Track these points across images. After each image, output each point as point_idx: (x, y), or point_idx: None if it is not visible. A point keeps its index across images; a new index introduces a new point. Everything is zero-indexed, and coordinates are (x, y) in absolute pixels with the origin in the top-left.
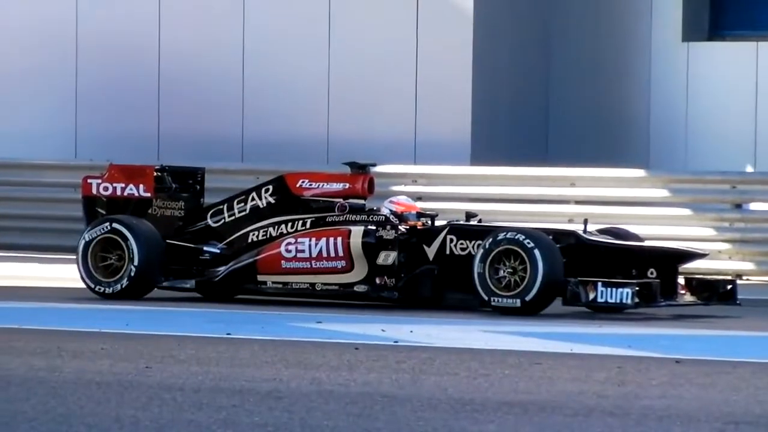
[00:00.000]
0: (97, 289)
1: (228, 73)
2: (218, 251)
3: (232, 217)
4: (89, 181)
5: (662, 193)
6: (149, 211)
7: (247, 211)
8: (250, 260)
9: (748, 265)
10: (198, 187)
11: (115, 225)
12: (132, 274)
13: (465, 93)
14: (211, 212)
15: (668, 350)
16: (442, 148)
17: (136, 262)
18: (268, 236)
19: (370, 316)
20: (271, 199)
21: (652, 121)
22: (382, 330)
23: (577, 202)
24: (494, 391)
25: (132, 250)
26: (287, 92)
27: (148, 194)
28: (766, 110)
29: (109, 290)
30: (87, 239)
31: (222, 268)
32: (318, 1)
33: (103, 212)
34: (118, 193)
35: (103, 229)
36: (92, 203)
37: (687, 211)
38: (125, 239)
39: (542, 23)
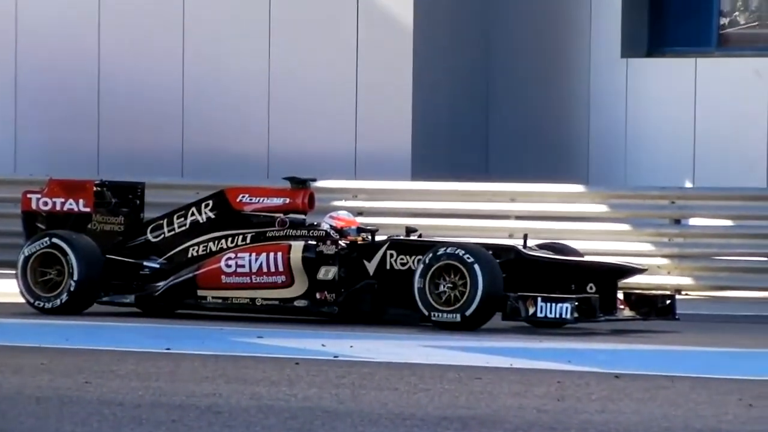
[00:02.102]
0: (36, 304)
1: (168, 87)
2: (158, 266)
3: (172, 232)
4: (29, 195)
5: (602, 208)
6: (89, 226)
7: (187, 226)
8: (190, 275)
9: (687, 280)
10: (138, 202)
11: (54, 240)
12: (72, 289)
13: (405, 108)
14: (151, 227)
15: (607, 365)
16: (382, 164)
17: (75, 277)
18: (208, 251)
19: (311, 331)
20: (212, 214)
21: (591, 137)
22: (323, 345)
23: (518, 217)
24: (434, 406)
25: (72, 265)
26: (228, 107)
27: (88, 209)
28: (704, 126)
29: (48, 305)
30: (26, 254)
31: (162, 283)
32: (258, 16)
33: (43, 227)
34: (58, 207)
35: (42, 243)
36: (32, 218)
37: (626, 227)
38: (65, 254)
39: (482, 39)
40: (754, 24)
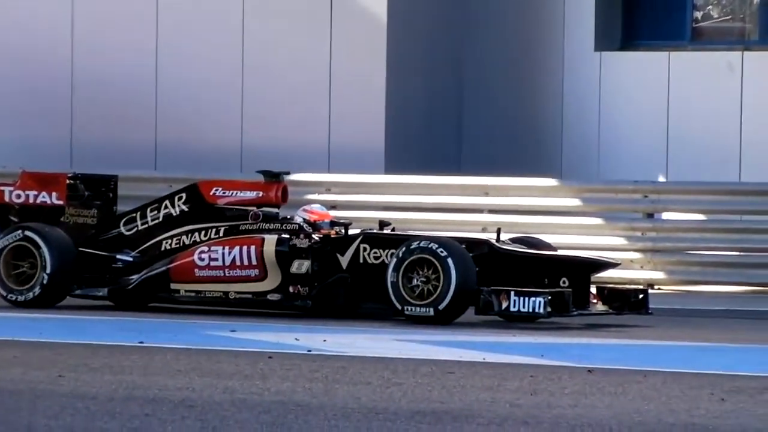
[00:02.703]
0: (9, 297)
1: (141, 80)
2: (131, 259)
3: (145, 225)
4: (1, 188)
5: (575, 202)
6: (62, 218)
7: (161, 219)
8: (163, 268)
9: (660, 275)
10: (111, 194)
11: (27, 233)
12: (44, 282)
13: (378, 101)
14: (124, 220)
15: (580, 359)
16: (356, 157)
17: (48, 270)
18: (181, 244)
19: (285, 325)
20: (185, 207)
21: (564, 130)
22: (296, 339)
23: (491, 211)
24: (407, 400)
25: (44, 258)
26: (201, 100)
27: (61, 202)
28: (677, 120)
29: (21, 298)
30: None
31: (135, 277)
32: (232, 9)
33: (16, 220)
34: (31, 200)
35: (15, 236)
36: (4, 211)
37: (599, 221)
38: (38, 247)
39: (456, 32)
40: (728, 18)
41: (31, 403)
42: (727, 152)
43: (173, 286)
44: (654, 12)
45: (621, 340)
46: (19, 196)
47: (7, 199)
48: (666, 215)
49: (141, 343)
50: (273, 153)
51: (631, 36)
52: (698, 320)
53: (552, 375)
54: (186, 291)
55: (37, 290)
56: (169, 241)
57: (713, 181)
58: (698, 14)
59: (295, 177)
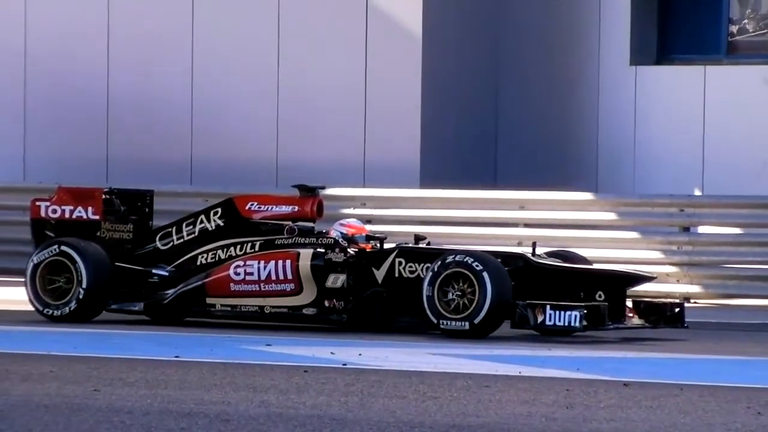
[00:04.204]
0: (45, 311)
1: (176, 95)
2: (167, 274)
3: (181, 240)
4: (38, 203)
5: (611, 216)
6: (98, 233)
7: (196, 234)
8: (199, 283)
9: (696, 288)
10: (147, 209)
11: (63, 248)
12: (80, 296)
13: (414, 115)
14: (159, 235)
15: (616, 373)
16: (391, 171)
17: (84, 285)
18: (216, 259)
19: (320, 339)
20: (220, 222)
21: (600, 144)
22: (332, 353)
23: (526, 225)
24: (443, 414)
25: (80, 272)
26: (236, 115)
27: (97, 217)
28: (713, 133)
29: (57, 313)
30: (35, 262)
31: (170, 291)
32: (267, 25)
33: (52, 235)
34: (67, 215)
35: (51, 251)
36: (41, 226)
37: (635, 234)
38: (74, 262)
39: (492, 47)
40: (763, 32)
41: (67, 417)
42: (762, 165)
43: (209, 300)
44: (689, 26)
45: (656, 354)
46: (55, 211)
47: (43, 214)
48: (702, 229)
49: (177, 357)
50: (308, 168)
51: (666, 50)
52: (734, 334)
53: (588, 388)
54: (221, 305)
55: (73, 305)
56: (205, 255)
57: (749, 195)
58: (734, 28)
59: (330, 191)
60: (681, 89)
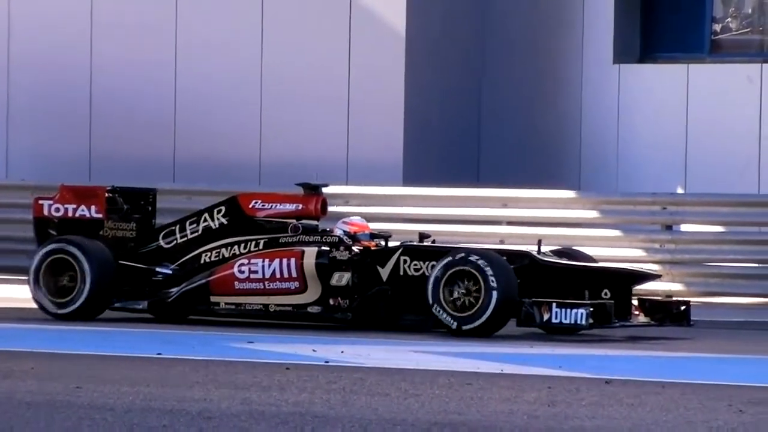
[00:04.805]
0: (49, 310)
1: (160, 92)
2: (170, 272)
3: (185, 238)
4: (40, 202)
5: (593, 214)
6: (101, 232)
7: (200, 232)
8: (203, 281)
9: (678, 286)
10: (150, 208)
11: (67, 246)
12: (84, 295)
13: (397, 113)
14: (163, 233)
15: (598, 371)
16: (374, 169)
17: (88, 283)
18: (220, 257)
19: (302, 337)
20: (224, 220)
21: (583, 142)
22: (314, 350)
23: (509, 223)
24: (425, 412)
25: (84, 271)
26: (219, 112)
27: (100, 215)
28: (696, 132)
29: (61, 311)
30: (39, 260)
31: (174, 290)
32: (250, 22)
33: (55, 233)
34: (70, 214)
35: (55, 249)
36: (44, 224)
37: (618, 232)
38: (77, 260)
39: (475, 44)
40: (747, 30)
41: (49, 415)
42: (745, 164)
43: (213, 298)
44: (673, 25)
45: (638, 352)
46: (58, 210)
47: (46, 212)
48: (684, 227)
49: (159, 354)
50: (291, 165)
51: (649, 48)
52: (717, 332)
53: (570, 386)
54: (226, 304)
55: (77, 303)
56: (209, 254)
57: (732, 193)
58: (717, 27)
59: None
60: (664, 88)
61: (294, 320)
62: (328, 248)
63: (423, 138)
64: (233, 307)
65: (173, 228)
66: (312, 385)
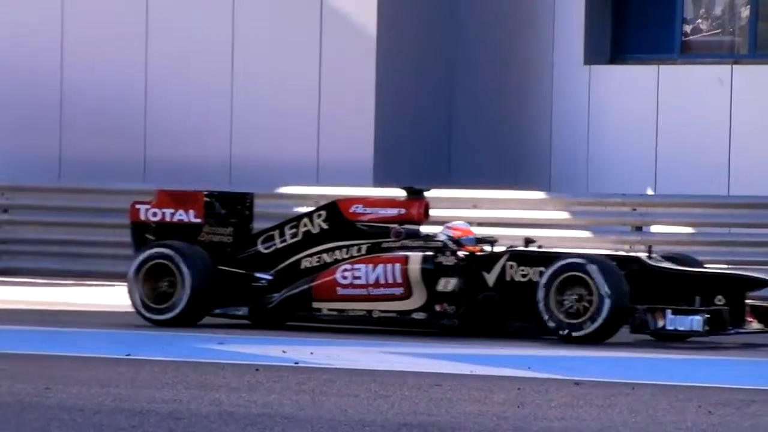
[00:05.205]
0: (147, 315)
1: (130, 93)
2: (271, 277)
3: (284, 243)
4: (137, 206)
5: (563, 215)
6: (198, 237)
7: (300, 237)
8: (305, 287)
9: None
10: (246, 212)
11: (166, 251)
12: (185, 301)
13: (368, 114)
14: (261, 238)
15: (567, 372)
16: (345, 170)
17: (188, 289)
18: (321, 262)
19: (271, 338)
20: (324, 225)
21: (554, 143)
22: (283, 351)
23: (480, 224)
24: (394, 413)
25: (184, 276)
26: (190, 113)
27: (199, 220)
28: (666, 133)
29: (160, 317)
30: (137, 265)
31: (276, 295)
32: (222, 23)
33: (152, 238)
34: (167, 218)
35: (154, 255)
36: (141, 229)
37: (588, 234)
38: (177, 266)
39: (446, 47)
40: (717, 31)
41: (18, 415)
42: (716, 165)
43: (315, 304)
44: (643, 25)
45: (608, 353)
46: (155, 214)
47: (143, 217)
48: (654, 228)
49: (128, 355)
50: (262, 165)
51: (620, 49)
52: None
53: (539, 387)
54: (328, 310)
55: (177, 310)
56: (309, 259)
57: (702, 194)
58: (688, 28)
59: (283, 190)
60: (635, 89)
61: (398, 327)
62: (433, 253)
63: (394, 139)
64: (336, 313)
65: (272, 233)
66: (281, 386)
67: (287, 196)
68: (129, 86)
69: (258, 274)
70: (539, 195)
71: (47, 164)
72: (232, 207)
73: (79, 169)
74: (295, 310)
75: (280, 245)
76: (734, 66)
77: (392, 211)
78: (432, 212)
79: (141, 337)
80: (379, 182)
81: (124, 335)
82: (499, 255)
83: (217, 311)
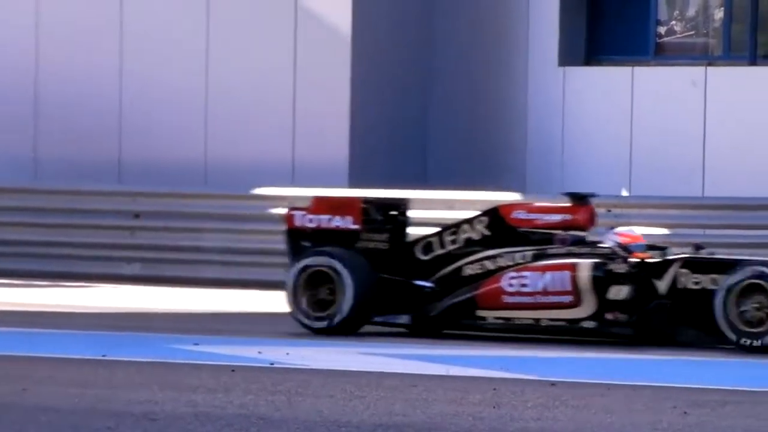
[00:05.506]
0: (307, 323)
1: (105, 94)
2: (432, 285)
3: (443, 250)
4: (292, 212)
5: None
6: (356, 243)
7: (460, 244)
8: (469, 295)
9: None
10: (402, 219)
11: (327, 258)
12: (346, 309)
13: (343, 115)
14: (421, 245)
15: (543, 373)
16: (320, 171)
17: (350, 297)
18: (484, 270)
19: (247, 338)
20: (486, 231)
21: (529, 145)
22: (259, 352)
23: None
24: (370, 413)
25: (345, 284)
26: (165, 114)
27: (357, 226)
28: (641, 134)
29: (321, 325)
30: (297, 272)
31: (438, 303)
32: (196, 23)
33: (308, 245)
34: (324, 225)
35: (314, 261)
36: (297, 235)
37: None
38: (338, 273)
39: (421, 47)
40: (691, 33)
41: None
42: (690, 167)
43: (479, 312)
44: (617, 27)
45: (583, 354)
46: (311, 221)
47: (298, 223)
48: None
49: (104, 356)
50: (237, 166)
51: (594, 51)
52: None
53: (515, 388)
54: (494, 318)
55: (338, 318)
56: (472, 266)
57: (676, 196)
58: (662, 29)
59: (258, 191)
60: (609, 90)
61: (567, 335)
62: (602, 260)
63: (369, 140)
64: (502, 321)
65: (431, 240)
66: (257, 387)
67: (262, 197)
68: (104, 87)
69: (417, 282)
70: (514, 196)
71: (23, 165)
72: (386, 213)
73: (54, 170)
74: (459, 319)
75: (439, 252)
76: (708, 68)
77: (557, 217)
78: (408, 213)
79: (117, 338)
80: (354, 183)
81: (100, 336)
82: (671, 262)
83: (378, 319)
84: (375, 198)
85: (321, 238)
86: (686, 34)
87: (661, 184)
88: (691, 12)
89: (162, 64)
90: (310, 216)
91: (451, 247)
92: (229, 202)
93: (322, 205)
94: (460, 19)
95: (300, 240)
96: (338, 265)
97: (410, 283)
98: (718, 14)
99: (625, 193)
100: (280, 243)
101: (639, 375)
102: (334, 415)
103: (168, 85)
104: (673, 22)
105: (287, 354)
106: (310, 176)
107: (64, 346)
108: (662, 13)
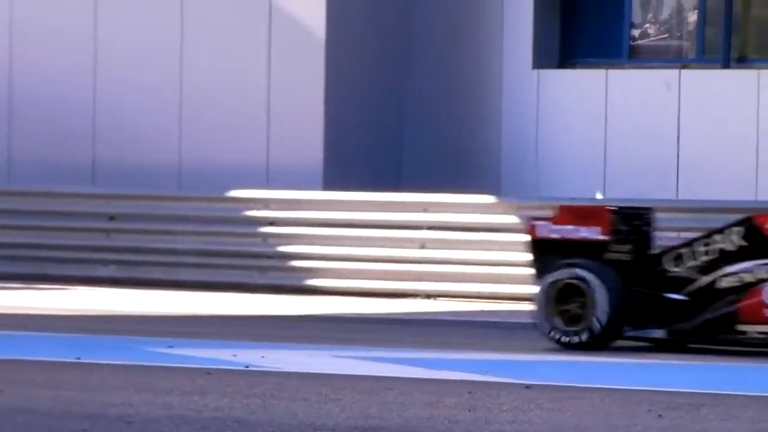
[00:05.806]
0: (557, 337)
1: (79, 96)
2: (686, 298)
3: (695, 262)
4: (535, 223)
5: (513, 219)
6: (603, 255)
7: (715, 255)
8: (727, 309)
9: None
10: (646, 228)
11: (578, 271)
12: (598, 323)
13: (318, 117)
14: (669, 257)
15: (519, 375)
16: (294, 173)
17: (604, 311)
18: (742, 282)
19: (222, 341)
20: (742, 242)
21: (503, 147)
22: (234, 355)
23: (430, 228)
24: (345, 416)
25: (598, 298)
26: (139, 116)
27: (605, 237)
28: (615, 137)
29: (574, 339)
30: (548, 286)
31: (693, 317)
32: (169, 26)
33: (554, 256)
34: (570, 236)
35: (564, 274)
36: (541, 246)
37: None
38: (590, 286)
39: (396, 49)
40: (665, 36)
41: None
42: (664, 169)
43: (740, 327)
44: (592, 30)
45: (559, 357)
46: (556, 231)
47: (542, 234)
48: None
49: (78, 359)
50: (211, 168)
51: (568, 54)
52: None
53: (490, 391)
54: (757, 333)
55: (592, 332)
56: (728, 278)
57: (650, 198)
58: (636, 32)
59: (233, 193)
60: (583, 93)
61: None
62: None
63: (344, 142)
64: (765, 336)
65: (680, 251)
66: (232, 390)
67: (237, 199)
68: (78, 89)
69: (671, 295)
70: (489, 199)
71: None
72: (630, 223)
73: (29, 172)
74: (716, 333)
75: (690, 264)
76: (682, 70)
77: None
78: (381, 216)
79: (91, 340)
80: (329, 185)
81: (75, 339)
82: None
83: (630, 334)
84: (620, 207)
85: (566, 250)
86: (660, 36)
87: (635, 186)
88: (665, 15)
89: (136, 66)
90: (555, 226)
91: (703, 259)
92: (203, 205)
93: (567, 214)
94: (435, 21)
95: (544, 251)
96: (592, 279)
97: (662, 296)
98: (692, 17)
99: (599, 195)
100: (255, 246)
101: (614, 378)
102: (309, 418)
103: (142, 87)
104: (647, 25)
105: (262, 357)
106: (285, 178)
107: (39, 349)
108: (636, 15)
